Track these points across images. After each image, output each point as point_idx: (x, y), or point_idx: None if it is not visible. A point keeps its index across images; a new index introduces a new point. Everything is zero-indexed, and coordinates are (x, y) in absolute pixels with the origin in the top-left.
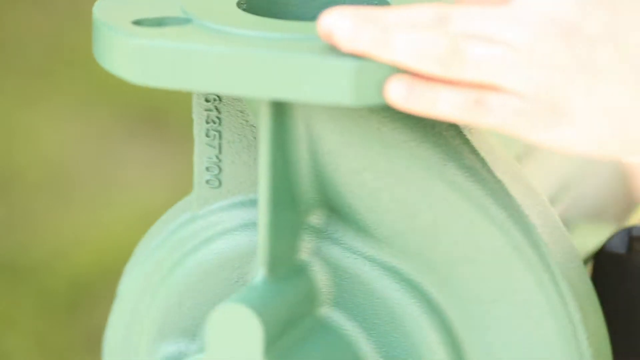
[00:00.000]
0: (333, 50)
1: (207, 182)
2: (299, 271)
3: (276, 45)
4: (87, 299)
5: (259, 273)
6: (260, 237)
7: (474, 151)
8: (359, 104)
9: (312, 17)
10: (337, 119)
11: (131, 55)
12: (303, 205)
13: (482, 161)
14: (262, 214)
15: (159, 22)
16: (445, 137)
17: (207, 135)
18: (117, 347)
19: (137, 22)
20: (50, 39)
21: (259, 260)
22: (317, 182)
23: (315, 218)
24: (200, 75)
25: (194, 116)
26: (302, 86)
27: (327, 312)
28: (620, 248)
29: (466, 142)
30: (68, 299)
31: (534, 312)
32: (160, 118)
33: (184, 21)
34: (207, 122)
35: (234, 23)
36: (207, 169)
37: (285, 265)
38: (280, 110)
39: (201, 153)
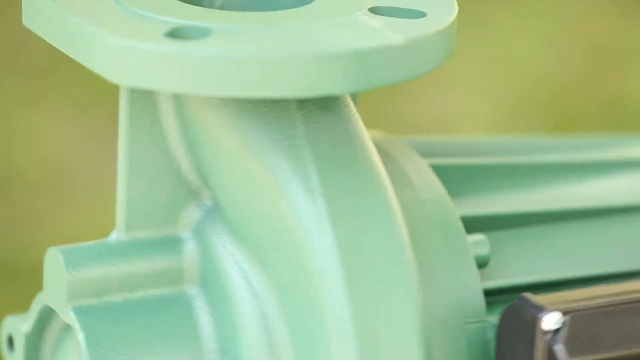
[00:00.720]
0: (153, 34)
1: None
2: (167, 243)
3: (121, 21)
4: None
5: (113, 234)
6: (119, 204)
7: (307, 171)
8: (126, 83)
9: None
10: (199, 101)
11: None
12: (192, 182)
13: (311, 175)
14: (120, 183)
15: None
16: (289, 147)
17: None
18: None
19: None
20: None
21: (117, 223)
22: (196, 162)
23: (207, 197)
24: (56, 32)
25: None
26: (92, 58)
27: (190, 291)
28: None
29: (308, 162)
30: None
31: (333, 318)
32: None
33: None
34: None
35: (142, 3)
36: None
37: (150, 233)
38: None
39: None
